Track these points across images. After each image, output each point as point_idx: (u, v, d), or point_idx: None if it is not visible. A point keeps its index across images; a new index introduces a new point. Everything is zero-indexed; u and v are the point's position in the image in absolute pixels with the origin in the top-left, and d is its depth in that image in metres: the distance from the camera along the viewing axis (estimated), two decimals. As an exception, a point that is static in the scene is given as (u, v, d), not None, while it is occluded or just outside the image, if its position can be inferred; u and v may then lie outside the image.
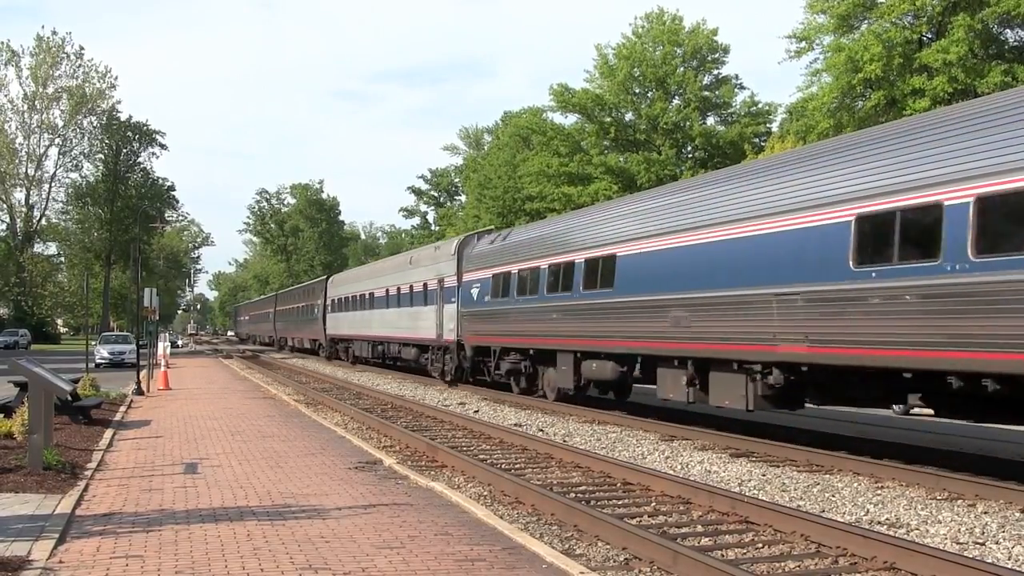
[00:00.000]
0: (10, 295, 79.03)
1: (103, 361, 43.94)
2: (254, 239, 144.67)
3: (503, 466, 12.68)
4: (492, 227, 37.95)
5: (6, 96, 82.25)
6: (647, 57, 52.97)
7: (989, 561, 7.55)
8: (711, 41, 53.42)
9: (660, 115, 52.02)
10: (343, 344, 47.63)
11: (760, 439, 14.67)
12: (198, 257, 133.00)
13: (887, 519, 9.40)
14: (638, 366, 18.28)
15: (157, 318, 33.23)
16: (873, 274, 11.52)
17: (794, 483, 11.40)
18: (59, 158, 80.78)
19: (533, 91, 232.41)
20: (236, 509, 9.24)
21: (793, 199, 13.19)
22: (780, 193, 13.58)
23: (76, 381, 19.93)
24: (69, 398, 16.65)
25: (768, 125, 52.71)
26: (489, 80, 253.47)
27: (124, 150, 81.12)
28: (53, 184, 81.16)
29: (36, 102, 78.71)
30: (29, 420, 11.62)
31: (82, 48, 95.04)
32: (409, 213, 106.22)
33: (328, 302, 50.37)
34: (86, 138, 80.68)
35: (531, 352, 22.74)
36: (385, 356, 39.02)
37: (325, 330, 51.01)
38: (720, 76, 54.55)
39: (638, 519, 9.35)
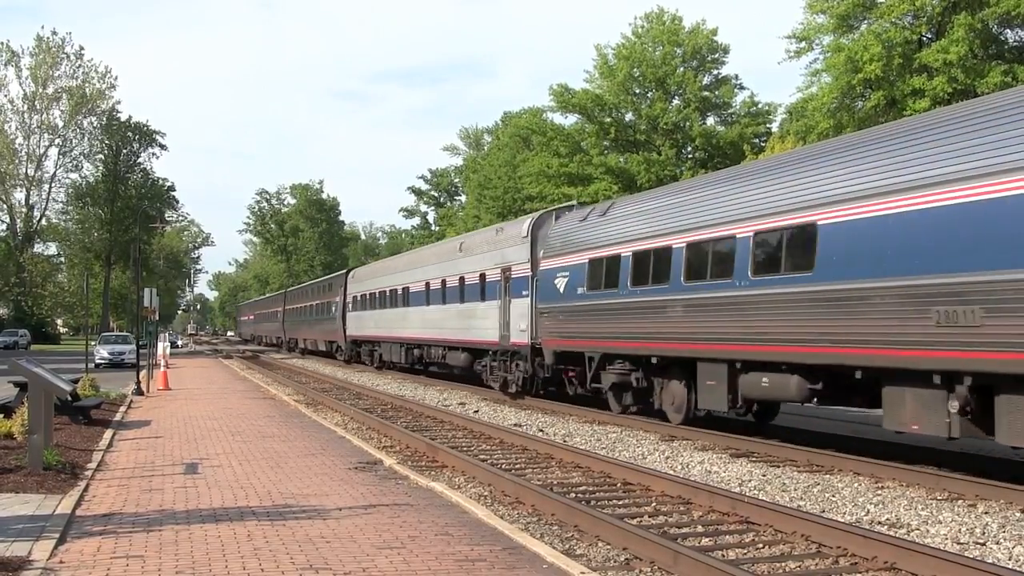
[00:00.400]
0: (10, 295, 79.02)
1: (103, 361, 43.90)
2: (254, 239, 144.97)
3: (503, 466, 12.69)
4: (575, 201, 29.87)
5: (6, 96, 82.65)
6: (647, 57, 52.92)
7: (990, 561, 7.55)
8: (711, 41, 53.37)
9: (660, 115, 51.98)
10: (367, 346, 42.30)
11: (760, 439, 14.68)
12: (198, 257, 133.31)
13: (888, 519, 9.41)
14: (840, 380, 13.09)
15: (157, 318, 33.19)
16: None
17: (794, 483, 11.41)
18: (59, 158, 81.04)
19: (533, 91, 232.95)
20: (236, 509, 9.25)
21: None
22: None
23: (76, 381, 19.93)
24: (69, 398, 16.64)
25: (768, 125, 52.67)
26: (489, 80, 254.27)
27: (124, 150, 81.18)
28: (53, 184, 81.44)
29: (36, 102, 78.79)
30: (29, 420, 11.63)
31: (82, 48, 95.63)
32: (409, 213, 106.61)
33: (349, 299, 45.41)
34: (86, 138, 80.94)
35: (653, 361, 17.37)
36: (424, 361, 33.52)
37: (345, 330, 45.89)
38: (720, 76, 54.51)
39: (638, 519, 9.36)
